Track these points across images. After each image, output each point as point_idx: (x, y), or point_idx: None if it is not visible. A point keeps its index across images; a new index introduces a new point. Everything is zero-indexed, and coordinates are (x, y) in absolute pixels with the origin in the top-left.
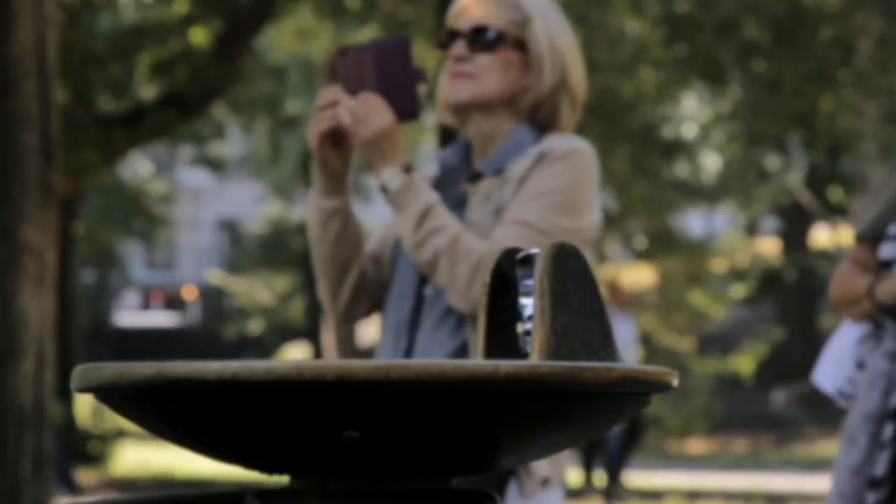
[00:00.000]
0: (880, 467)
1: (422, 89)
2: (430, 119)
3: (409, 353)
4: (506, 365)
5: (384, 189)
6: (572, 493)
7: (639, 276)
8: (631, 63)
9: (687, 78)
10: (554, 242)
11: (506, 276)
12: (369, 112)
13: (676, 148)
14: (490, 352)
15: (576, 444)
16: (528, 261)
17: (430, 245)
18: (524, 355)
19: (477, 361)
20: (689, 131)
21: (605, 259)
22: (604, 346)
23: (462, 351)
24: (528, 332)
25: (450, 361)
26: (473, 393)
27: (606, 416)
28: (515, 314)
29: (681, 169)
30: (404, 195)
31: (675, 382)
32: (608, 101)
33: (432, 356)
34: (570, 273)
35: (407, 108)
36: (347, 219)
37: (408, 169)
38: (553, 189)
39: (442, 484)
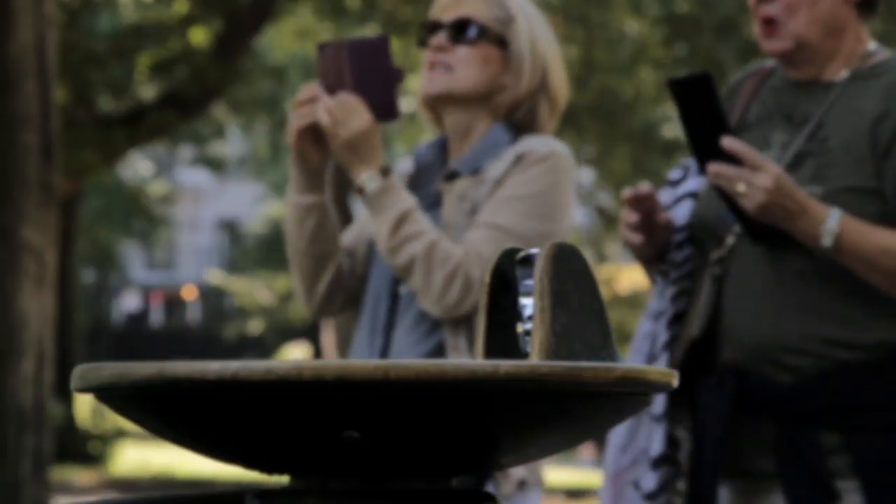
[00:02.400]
0: (657, 445)
1: (401, 89)
2: None
3: (384, 352)
4: (506, 365)
5: (361, 191)
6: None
7: (639, 276)
8: (631, 63)
9: None
10: (554, 242)
11: (506, 276)
12: (348, 113)
13: (676, 148)
14: (490, 352)
15: (576, 444)
16: (528, 261)
17: (406, 250)
18: (524, 355)
19: (477, 361)
20: None
21: (605, 259)
22: (604, 346)
23: (438, 351)
24: (528, 332)
25: (450, 361)
26: (473, 393)
27: (606, 416)
28: (515, 314)
29: None
30: (381, 198)
31: (676, 382)
32: (608, 101)
33: (408, 356)
34: (570, 273)
35: (385, 109)
36: (324, 215)
37: (385, 171)
38: (530, 193)
39: (442, 484)
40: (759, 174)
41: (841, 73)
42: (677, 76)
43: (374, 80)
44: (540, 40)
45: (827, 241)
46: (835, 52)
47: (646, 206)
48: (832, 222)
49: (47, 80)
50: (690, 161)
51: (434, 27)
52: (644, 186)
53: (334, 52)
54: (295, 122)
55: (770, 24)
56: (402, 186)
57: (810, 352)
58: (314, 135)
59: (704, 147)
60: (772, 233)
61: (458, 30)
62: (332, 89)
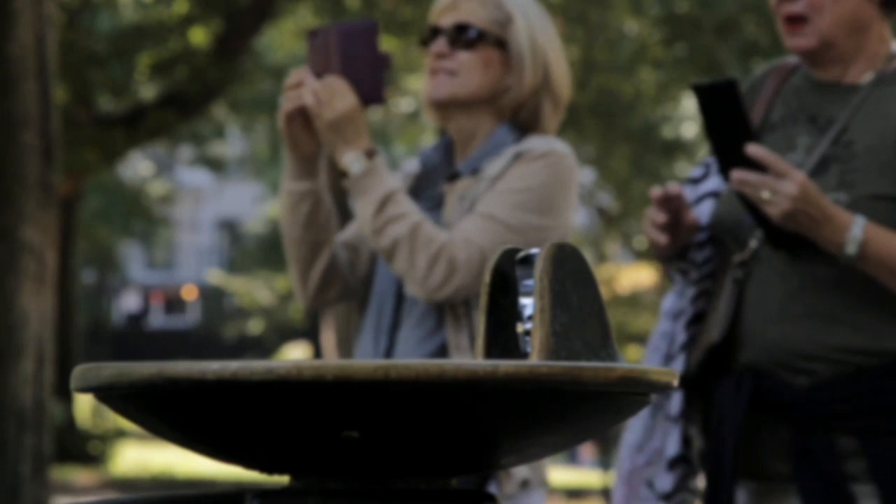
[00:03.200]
0: (672, 446)
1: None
2: (431, 119)
3: (389, 353)
4: (505, 365)
5: (345, 174)
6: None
7: (639, 276)
8: (631, 63)
9: (687, 78)
10: (553, 242)
11: (506, 275)
12: (332, 94)
13: (676, 148)
14: (490, 352)
15: (576, 444)
16: (528, 261)
17: (390, 232)
18: (524, 355)
19: (477, 361)
20: (689, 131)
21: (605, 259)
22: (604, 345)
23: (441, 351)
24: (528, 332)
25: (450, 361)
26: (473, 393)
27: (606, 416)
28: (515, 314)
29: (681, 169)
30: (365, 180)
31: (675, 382)
32: (608, 101)
33: (412, 356)
34: (570, 273)
35: (371, 93)
36: (318, 202)
37: (370, 154)
38: (526, 187)
39: (441, 484)
40: (784, 182)
41: (865, 76)
42: (702, 82)
43: (361, 64)
44: (540, 38)
45: (851, 248)
46: (858, 52)
47: (674, 206)
48: (857, 230)
49: (47, 80)
50: (710, 159)
51: (434, 32)
52: (673, 186)
53: (324, 36)
54: (284, 107)
55: (794, 21)
56: (387, 169)
57: (827, 358)
58: (305, 120)
59: (728, 153)
60: (794, 240)
61: (457, 35)
62: (319, 74)
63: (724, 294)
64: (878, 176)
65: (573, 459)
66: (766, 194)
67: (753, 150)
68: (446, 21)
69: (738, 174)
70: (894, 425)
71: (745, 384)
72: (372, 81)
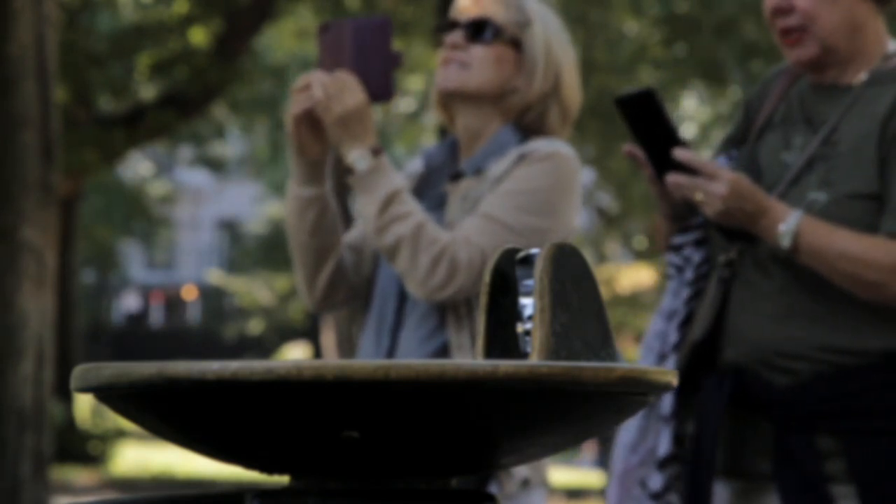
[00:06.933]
0: (664, 446)
1: (398, 73)
2: (431, 119)
3: (391, 353)
4: (505, 365)
5: (350, 170)
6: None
7: (639, 276)
8: (631, 63)
9: (687, 78)
10: (554, 243)
11: (506, 275)
12: (341, 89)
13: None
14: (490, 352)
15: (576, 444)
16: (528, 261)
17: (393, 231)
18: (524, 355)
19: (477, 361)
20: (689, 131)
21: (605, 259)
22: (604, 346)
23: (443, 351)
24: (528, 332)
25: (450, 361)
26: (473, 393)
27: (606, 416)
28: (515, 314)
29: None
30: (371, 178)
31: (676, 382)
32: (608, 101)
33: (414, 356)
34: (570, 273)
35: (381, 90)
36: (325, 208)
37: (376, 152)
38: (528, 188)
39: (441, 484)
40: (714, 183)
41: (860, 76)
42: (622, 94)
43: (373, 59)
44: (555, 47)
45: (786, 241)
46: (857, 53)
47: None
48: (791, 222)
49: (47, 80)
50: (720, 157)
51: (451, 26)
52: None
53: (337, 30)
54: (291, 109)
55: (790, 34)
56: (393, 168)
57: (809, 357)
58: (312, 124)
59: (661, 159)
60: (742, 232)
61: (475, 29)
62: (330, 69)
63: (710, 293)
64: (857, 174)
65: (573, 459)
66: (699, 195)
67: (680, 154)
68: (466, 16)
69: (671, 178)
70: (874, 426)
71: (726, 383)
72: (382, 78)
